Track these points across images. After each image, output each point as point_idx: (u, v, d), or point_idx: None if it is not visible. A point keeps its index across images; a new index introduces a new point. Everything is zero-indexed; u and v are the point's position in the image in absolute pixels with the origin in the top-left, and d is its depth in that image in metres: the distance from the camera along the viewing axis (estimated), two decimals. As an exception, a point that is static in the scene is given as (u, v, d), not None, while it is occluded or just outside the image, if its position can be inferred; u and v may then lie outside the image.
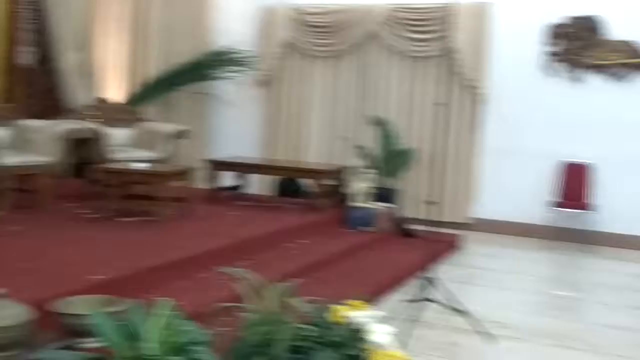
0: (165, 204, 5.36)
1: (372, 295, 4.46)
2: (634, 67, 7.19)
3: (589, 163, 7.34)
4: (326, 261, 5.21)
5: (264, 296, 2.81)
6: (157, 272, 3.94)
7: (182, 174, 5.78)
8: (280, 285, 2.86)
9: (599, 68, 7.31)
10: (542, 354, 4.11)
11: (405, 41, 7.91)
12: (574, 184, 7.39)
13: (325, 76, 8.39)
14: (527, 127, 7.52)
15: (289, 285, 2.85)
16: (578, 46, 7.37)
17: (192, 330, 2.37)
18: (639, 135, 7.11)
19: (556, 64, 7.45)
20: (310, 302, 2.91)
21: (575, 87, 7.40)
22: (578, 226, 7.29)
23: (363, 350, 2.66)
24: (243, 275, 2.90)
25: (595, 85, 7.33)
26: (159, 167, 5.84)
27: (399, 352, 2.62)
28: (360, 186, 6.74)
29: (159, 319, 2.28)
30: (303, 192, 7.33)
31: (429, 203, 4.72)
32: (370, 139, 7.68)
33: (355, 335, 2.78)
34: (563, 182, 7.42)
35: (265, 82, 8.57)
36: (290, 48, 8.47)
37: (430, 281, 4.49)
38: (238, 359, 2.59)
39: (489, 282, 5.81)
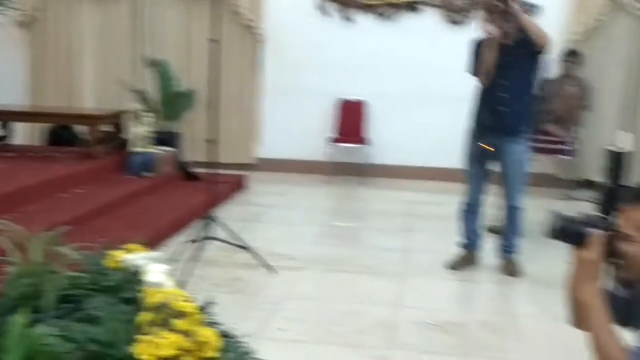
0: None
1: (154, 239, 4.36)
2: (400, 7, 7.60)
3: (363, 100, 7.71)
4: (105, 209, 4.98)
5: (27, 247, 2.61)
6: None
7: None
8: (46, 234, 2.66)
9: (367, 8, 7.63)
10: (321, 279, 4.31)
11: (179, -21, 7.64)
12: (351, 120, 7.74)
13: (96, 16, 7.86)
14: (306, 67, 7.68)
15: (55, 234, 2.66)
16: (346, -15, 7.61)
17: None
18: (407, 73, 7.58)
19: (328, 4, 7.64)
20: (82, 249, 2.75)
21: (347, 26, 7.66)
22: (355, 160, 7.68)
23: (139, 291, 2.57)
24: (4, 228, 2.65)
25: (365, 25, 7.65)
26: None
27: (175, 290, 2.56)
28: (139, 130, 6.49)
29: None
30: (78, 139, 6.90)
31: (209, 142, 4.63)
32: (148, 82, 7.39)
33: (130, 278, 2.67)
34: (340, 119, 7.74)
35: (27, 23, 7.83)
36: (54, -15, 7.80)
37: (212, 220, 4.47)
38: (-1, 315, 2.37)
39: (273, 218, 5.95)
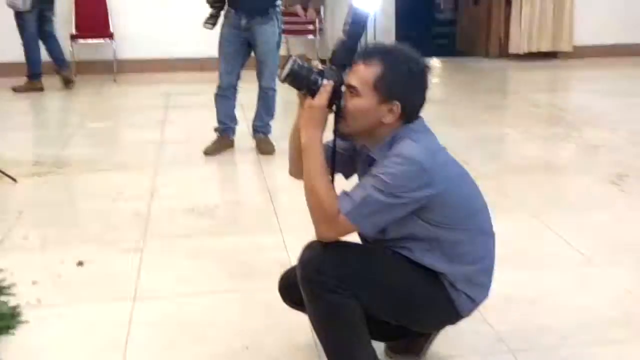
0: None
1: None
2: None
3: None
4: None
5: None
6: None
7: None
8: None
9: None
10: (70, 182, 4.09)
11: None
12: (92, 14, 7.16)
13: None
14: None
15: None
16: None
17: None
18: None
19: None
20: None
21: None
22: (102, 56, 7.19)
23: None
24: None
25: None
26: None
27: None
28: None
29: None
30: None
31: None
32: None
33: None
34: (80, 13, 7.13)
35: None
36: None
37: None
38: None
39: (12, 126, 5.42)
